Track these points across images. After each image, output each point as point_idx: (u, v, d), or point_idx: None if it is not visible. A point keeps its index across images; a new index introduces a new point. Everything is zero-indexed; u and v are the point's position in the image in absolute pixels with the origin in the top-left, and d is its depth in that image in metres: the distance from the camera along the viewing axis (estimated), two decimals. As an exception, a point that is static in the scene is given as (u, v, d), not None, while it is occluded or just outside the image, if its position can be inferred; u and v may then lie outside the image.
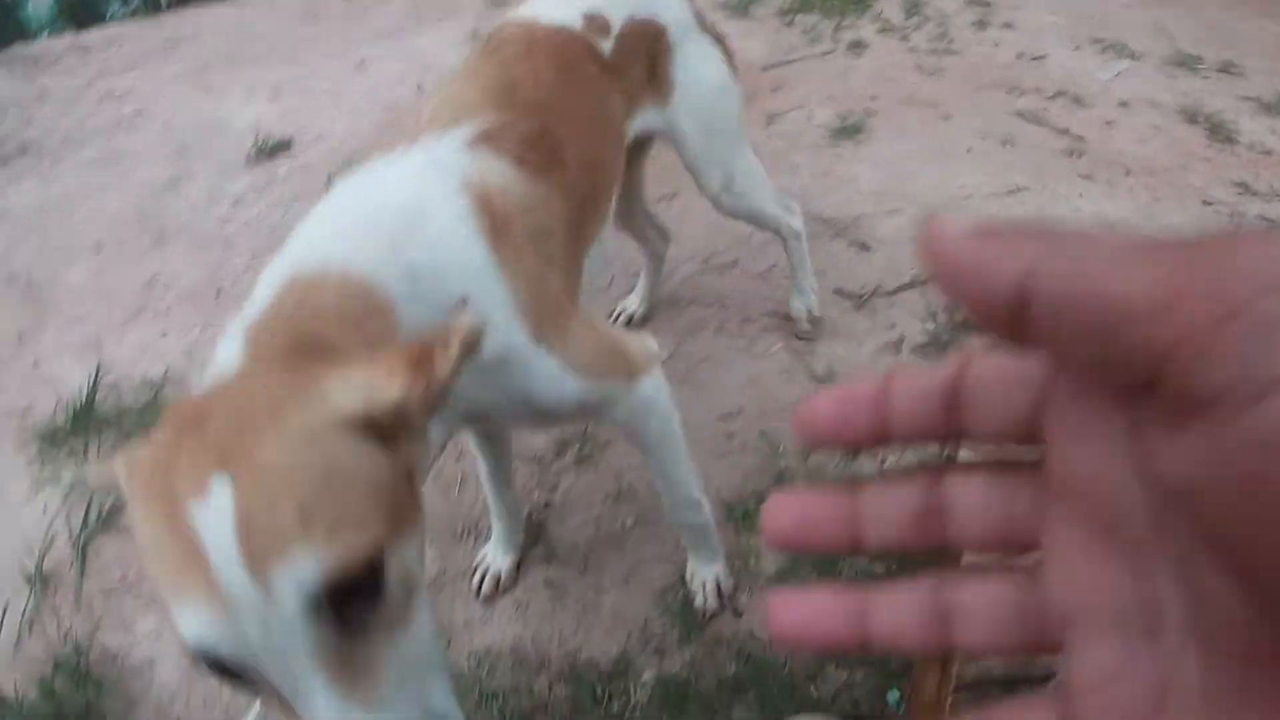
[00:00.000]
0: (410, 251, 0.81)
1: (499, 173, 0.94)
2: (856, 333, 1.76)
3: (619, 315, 1.84)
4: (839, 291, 1.83)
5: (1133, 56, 2.69)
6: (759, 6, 3.04)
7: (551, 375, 0.92)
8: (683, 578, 1.37)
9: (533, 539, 1.47)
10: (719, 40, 1.44)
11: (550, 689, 1.30)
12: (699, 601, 1.34)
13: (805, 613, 0.27)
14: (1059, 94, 2.51)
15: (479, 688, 1.30)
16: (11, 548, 1.72)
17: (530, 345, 0.89)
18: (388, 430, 0.62)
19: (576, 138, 1.06)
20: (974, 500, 0.26)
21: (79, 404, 1.94)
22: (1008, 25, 2.92)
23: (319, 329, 0.72)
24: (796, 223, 1.65)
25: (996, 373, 0.25)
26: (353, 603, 0.55)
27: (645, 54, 1.29)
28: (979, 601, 0.26)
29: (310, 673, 0.54)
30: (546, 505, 1.51)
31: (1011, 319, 0.20)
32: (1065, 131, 2.34)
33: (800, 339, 1.75)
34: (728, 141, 1.45)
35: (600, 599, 1.38)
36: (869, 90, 2.51)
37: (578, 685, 1.29)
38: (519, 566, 1.44)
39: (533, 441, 1.60)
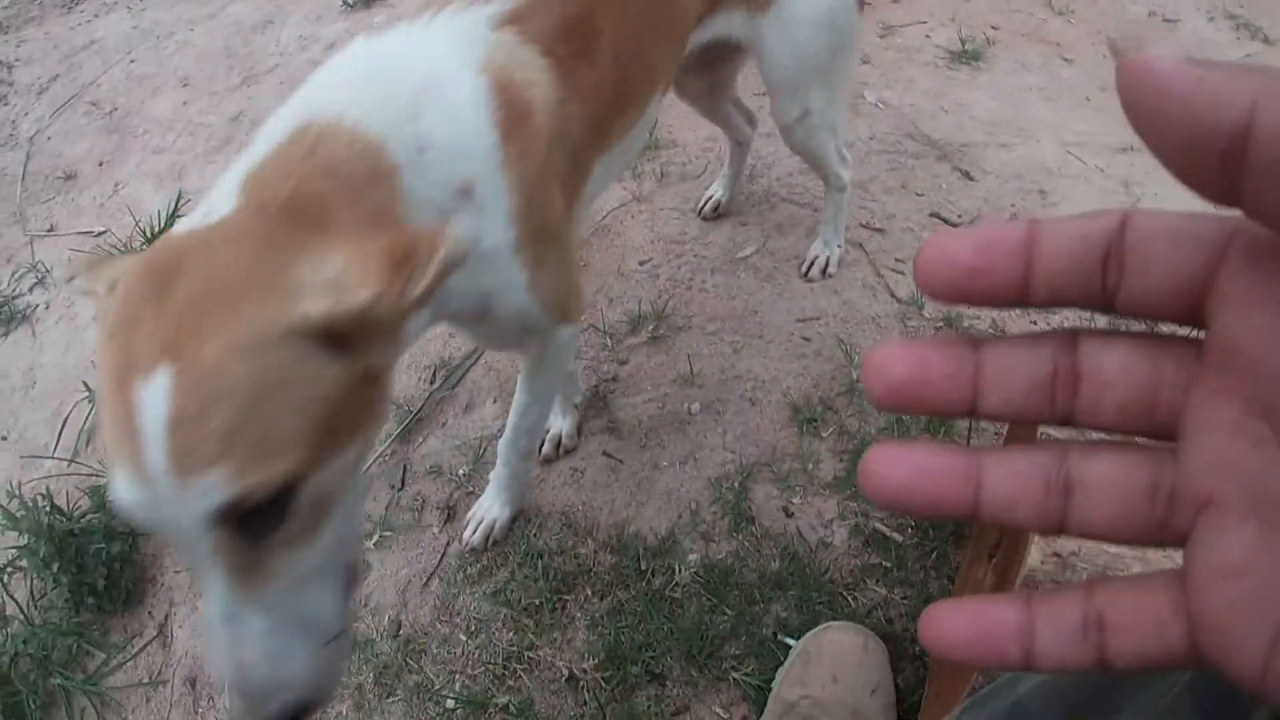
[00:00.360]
0: (424, 120, 0.77)
1: (524, 62, 0.87)
2: (947, 260, 1.69)
3: (705, 204, 1.77)
4: (934, 215, 1.75)
5: (1265, 40, 2.50)
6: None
7: (516, 287, 0.89)
8: (740, 469, 1.36)
9: (596, 410, 1.46)
10: None
11: (595, 555, 1.30)
12: (464, 534, 1.33)
13: (911, 467, 0.25)
14: (1186, 63, 2.35)
15: (526, 544, 1.31)
16: (76, 363, 1.76)
17: (511, 252, 0.86)
18: (351, 336, 0.60)
19: (620, 31, 0.96)
20: (1113, 368, 0.23)
21: (156, 228, 1.96)
22: (1145, -22, 2.72)
23: (319, 189, 0.68)
24: (848, 175, 1.54)
25: (1164, 229, 0.22)
26: (258, 518, 0.59)
27: None
28: (1107, 475, 0.23)
29: (210, 565, 0.60)
30: (614, 379, 1.50)
31: (1223, 163, 0.18)
32: (1186, 102, 2.20)
33: (804, 279, 1.65)
34: (821, 75, 1.29)
35: (655, 477, 1.37)
36: (992, 18, 2.36)
37: (623, 555, 1.29)
38: (579, 432, 1.44)
39: (608, 314, 1.58)
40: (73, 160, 2.35)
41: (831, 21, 1.24)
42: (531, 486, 1.38)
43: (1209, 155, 0.18)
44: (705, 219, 1.78)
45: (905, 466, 0.25)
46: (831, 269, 1.63)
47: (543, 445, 1.40)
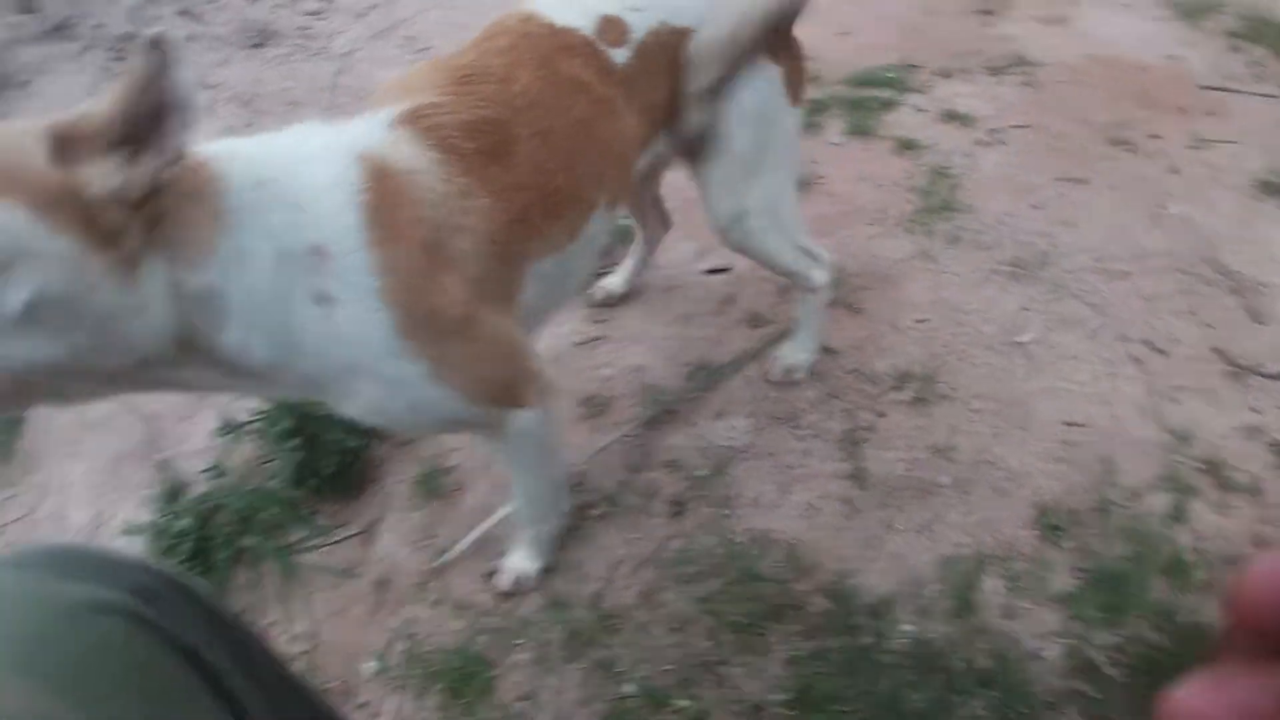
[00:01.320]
0: (271, 169, 0.81)
1: (411, 154, 0.88)
2: (1219, 399, 1.58)
3: (598, 293, 1.76)
4: (1216, 350, 1.65)
5: None
6: (1208, 19, 2.70)
7: (410, 379, 0.87)
8: (978, 553, 1.33)
9: (845, 454, 1.46)
10: (790, 55, 1.22)
11: (810, 595, 1.30)
12: (496, 578, 1.33)
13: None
14: None
15: (746, 563, 1.33)
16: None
17: (393, 338, 0.84)
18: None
19: (540, 141, 0.97)
20: None
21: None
22: None
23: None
24: (820, 276, 1.43)
25: None
26: None
27: (671, 71, 1.12)
28: None
29: None
30: (869, 428, 1.49)
31: None
32: None
33: (769, 381, 1.58)
34: (754, 170, 1.25)
35: (887, 537, 1.36)
36: (1311, 154, 2.20)
37: (836, 603, 1.29)
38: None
39: (875, 363, 1.58)
40: (379, 82, 2.51)
41: (760, 118, 1.20)
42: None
43: None
44: (592, 305, 1.76)
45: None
46: (797, 376, 1.56)
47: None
